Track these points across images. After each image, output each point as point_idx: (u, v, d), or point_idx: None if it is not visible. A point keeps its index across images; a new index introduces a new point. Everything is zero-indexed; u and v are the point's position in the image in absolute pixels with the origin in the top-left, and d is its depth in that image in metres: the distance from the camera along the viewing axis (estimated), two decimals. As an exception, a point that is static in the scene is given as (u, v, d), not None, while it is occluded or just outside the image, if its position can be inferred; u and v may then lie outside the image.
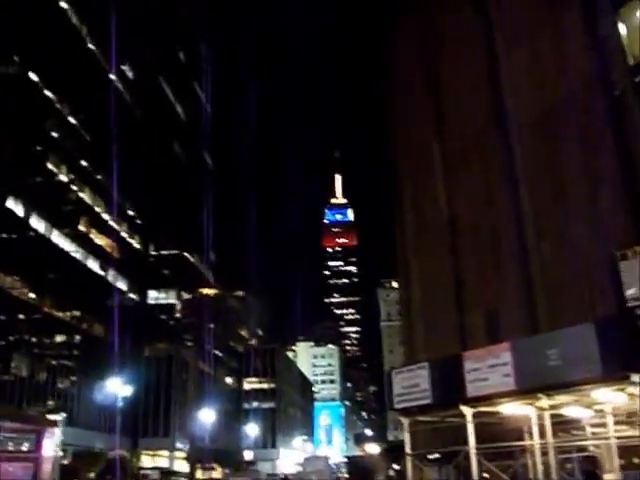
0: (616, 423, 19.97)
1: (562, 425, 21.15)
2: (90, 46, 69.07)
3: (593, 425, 21.50)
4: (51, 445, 22.62)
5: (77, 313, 67.26)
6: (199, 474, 66.19)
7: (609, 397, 17.09)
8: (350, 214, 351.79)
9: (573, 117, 26.21)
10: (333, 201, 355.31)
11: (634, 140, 22.88)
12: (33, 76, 57.38)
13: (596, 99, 24.96)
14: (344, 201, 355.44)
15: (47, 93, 60.02)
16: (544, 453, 19.55)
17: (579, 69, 25.89)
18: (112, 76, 73.82)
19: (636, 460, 20.40)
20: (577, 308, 23.82)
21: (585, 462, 16.77)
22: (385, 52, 44.82)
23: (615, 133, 23.95)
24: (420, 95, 38.68)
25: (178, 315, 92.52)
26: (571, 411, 19.59)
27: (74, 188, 66.64)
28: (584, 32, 25.55)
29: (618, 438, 19.76)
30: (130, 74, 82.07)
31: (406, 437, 23.02)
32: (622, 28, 23.07)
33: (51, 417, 29.52)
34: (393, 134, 43.57)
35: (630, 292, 15.04)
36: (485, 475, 21.41)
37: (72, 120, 65.23)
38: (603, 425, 20.62)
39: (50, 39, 58.08)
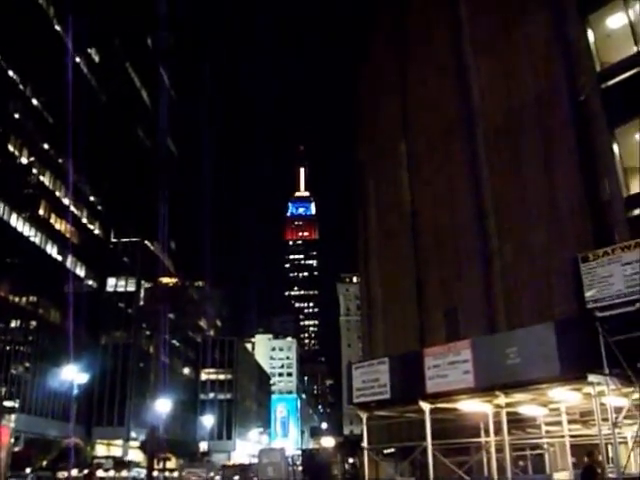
0: (570, 422, 20.38)
1: (517, 423, 21.51)
2: (56, 28, 67.94)
3: (547, 423, 21.90)
4: (7, 432, 22.26)
5: (33, 298, 66.24)
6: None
7: (565, 396, 17.38)
8: (313, 208, 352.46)
9: (538, 120, 26.55)
10: (296, 194, 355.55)
11: (596, 145, 23.25)
12: (-4, 55, 56.29)
13: (561, 104, 25.32)
14: (307, 194, 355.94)
15: (10, 74, 58.91)
16: (499, 450, 19.80)
17: (546, 73, 26.21)
18: (77, 59, 72.74)
19: (587, 459, 20.83)
20: (536, 310, 24.19)
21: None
22: (357, 49, 44.91)
23: (578, 138, 24.31)
24: (388, 93, 38.84)
25: (137, 303, 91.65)
26: (527, 409, 19.92)
27: (35, 171, 65.57)
28: (552, 37, 25.87)
29: (572, 437, 20.19)
30: (96, 58, 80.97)
31: (364, 431, 23.15)
32: (590, 34, 23.40)
33: (6, 404, 29.05)
34: (360, 131, 43.69)
35: (590, 294, 15.30)
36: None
37: (35, 102, 64.16)
38: (557, 424, 21.02)
39: (15, 19, 57.00)
